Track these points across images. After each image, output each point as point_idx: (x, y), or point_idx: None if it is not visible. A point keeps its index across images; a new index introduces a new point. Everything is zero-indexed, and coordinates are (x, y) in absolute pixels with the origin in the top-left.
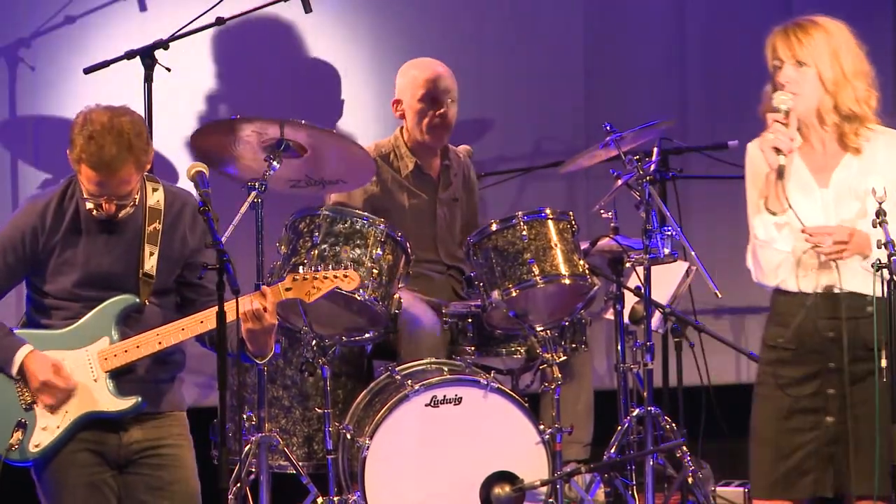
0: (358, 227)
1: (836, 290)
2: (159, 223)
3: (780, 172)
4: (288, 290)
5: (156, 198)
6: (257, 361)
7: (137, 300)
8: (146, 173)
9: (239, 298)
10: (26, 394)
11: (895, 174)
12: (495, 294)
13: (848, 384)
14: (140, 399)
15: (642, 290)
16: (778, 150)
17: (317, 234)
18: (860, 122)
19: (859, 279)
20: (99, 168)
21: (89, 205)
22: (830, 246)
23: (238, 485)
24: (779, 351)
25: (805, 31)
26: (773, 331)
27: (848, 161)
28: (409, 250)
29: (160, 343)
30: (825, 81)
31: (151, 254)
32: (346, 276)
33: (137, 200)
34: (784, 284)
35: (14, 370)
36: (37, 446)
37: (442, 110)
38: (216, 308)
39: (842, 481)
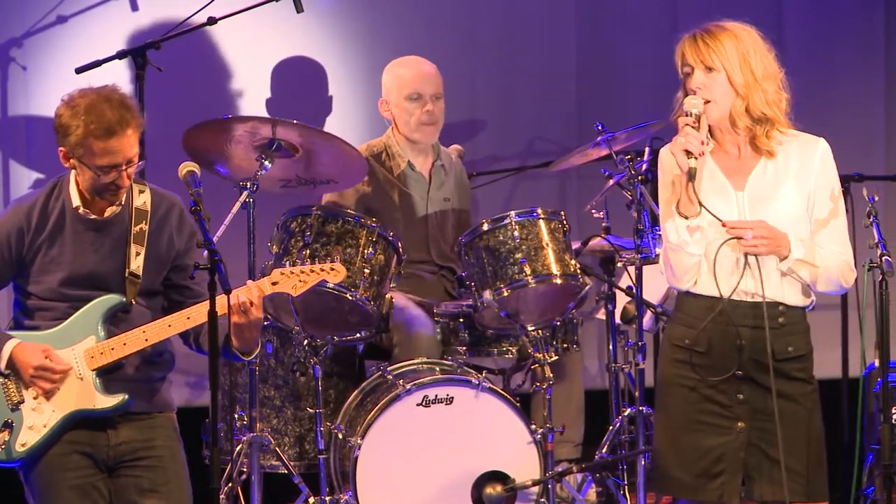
0: (349, 226)
1: (754, 298)
2: (146, 224)
3: (692, 175)
4: (274, 283)
5: (142, 199)
6: (243, 358)
7: (124, 299)
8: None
9: (236, 290)
10: (13, 393)
11: (809, 179)
12: (487, 294)
13: (748, 391)
14: (126, 396)
15: (634, 290)
16: (689, 153)
17: (308, 233)
18: (771, 124)
19: (775, 286)
20: (107, 134)
21: (76, 201)
22: (751, 239)
23: (230, 485)
24: (686, 352)
25: (713, 37)
26: (679, 331)
27: (763, 164)
28: (400, 250)
29: (146, 340)
30: (735, 85)
31: (138, 254)
32: (332, 269)
33: (123, 200)
34: (694, 287)
35: (2, 364)
36: (23, 445)
37: (429, 107)
38: (203, 304)
39: (752, 487)
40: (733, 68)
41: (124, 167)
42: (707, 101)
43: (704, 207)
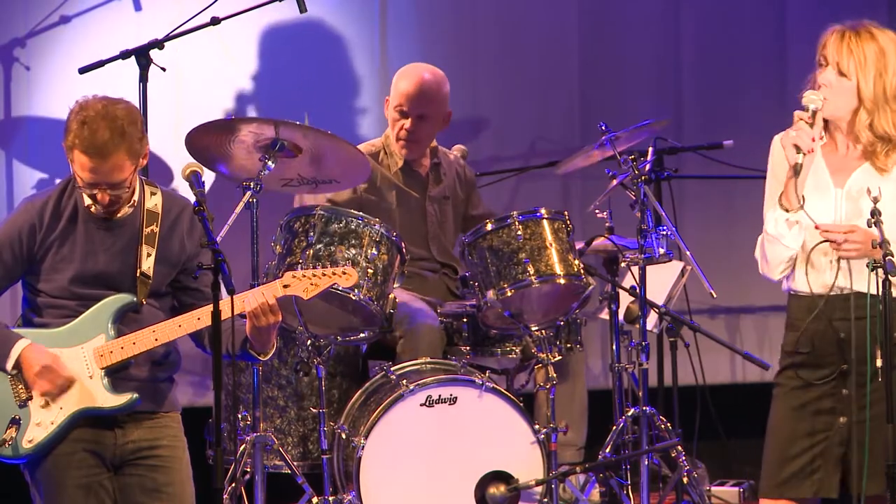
0: (353, 226)
1: (847, 291)
2: (157, 226)
3: (797, 170)
4: (286, 286)
5: (154, 201)
6: (260, 359)
7: (135, 299)
8: (145, 178)
9: (245, 293)
10: (21, 390)
11: None
12: (490, 294)
13: (855, 385)
14: (135, 395)
15: (637, 290)
16: (798, 149)
17: (312, 233)
18: (893, 145)
19: (865, 279)
20: (91, 152)
21: (87, 200)
22: (844, 244)
23: (233, 484)
24: (795, 356)
25: (859, 41)
26: (789, 337)
27: (868, 167)
28: (403, 250)
29: (156, 339)
30: (864, 98)
31: (149, 255)
32: (343, 273)
33: (136, 202)
34: (795, 286)
35: (10, 363)
36: (30, 442)
37: (407, 124)
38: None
39: (850, 482)
40: (866, 80)
41: (105, 187)
42: (826, 99)
43: (802, 208)
